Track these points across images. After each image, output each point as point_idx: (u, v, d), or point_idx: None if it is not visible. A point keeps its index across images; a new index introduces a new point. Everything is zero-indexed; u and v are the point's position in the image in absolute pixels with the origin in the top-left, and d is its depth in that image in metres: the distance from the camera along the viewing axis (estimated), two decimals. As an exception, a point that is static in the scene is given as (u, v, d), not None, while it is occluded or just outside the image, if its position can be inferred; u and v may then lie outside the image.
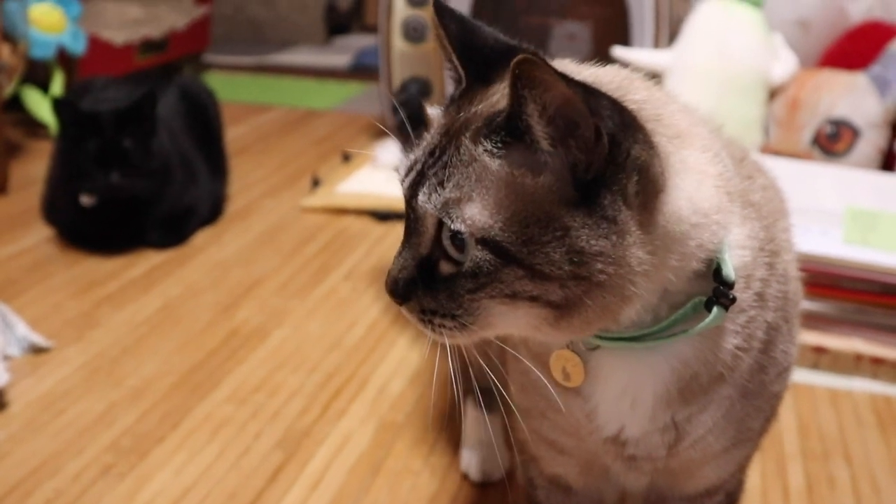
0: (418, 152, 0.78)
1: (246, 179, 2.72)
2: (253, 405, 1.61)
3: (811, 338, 1.72)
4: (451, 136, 0.76)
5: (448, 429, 1.55)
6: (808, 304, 1.73)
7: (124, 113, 2.08)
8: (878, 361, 1.70)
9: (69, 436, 1.51)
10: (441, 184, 0.73)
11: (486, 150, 0.72)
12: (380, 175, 2.65)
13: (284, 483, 1.42)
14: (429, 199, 0.74)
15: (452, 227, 0.72)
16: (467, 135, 0.74)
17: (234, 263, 2.18)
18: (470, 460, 1.43)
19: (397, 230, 2.35)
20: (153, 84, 2.29)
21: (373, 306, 1.98)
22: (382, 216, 2.44)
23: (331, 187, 2.60)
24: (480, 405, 1.43)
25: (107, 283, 2.05)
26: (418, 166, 0.77)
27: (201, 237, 2.31)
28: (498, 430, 1.38)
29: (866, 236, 1.76)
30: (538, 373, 0.85)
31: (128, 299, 1.98)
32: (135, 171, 2.10)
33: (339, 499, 1.39)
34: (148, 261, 2.17)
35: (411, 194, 0.76)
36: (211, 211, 2.41)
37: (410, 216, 0.78)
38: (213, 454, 1.48)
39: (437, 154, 0.76)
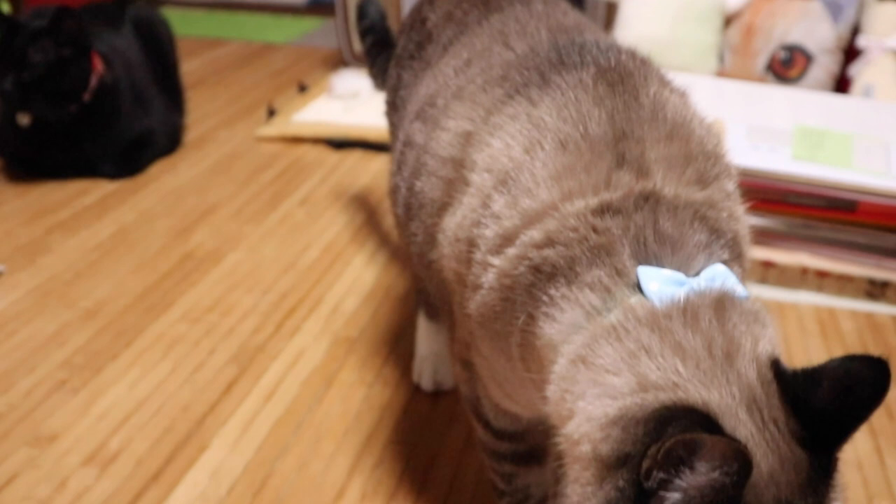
0: None
1: (201, 111, 2.69)
2: (206, 324, 1.62)
3: (760, 253, 1.75)
4: None
5: (401, 344, 1.56)
6: (757, 220, 1.76)
7: (42, 28, 2.03)
8: (822, 275, 1.73)
9: (21, 355, 1.51)
10: None
11: None
12: (336, 104, 2.63)
13: (238, 395, 1.43)
14: None
15: None
16: None
17: (188, 191, 2.17)
18: (422, 370, 1.45)
19: (352, 158, 2.36)
20: (102, 13, 2.26)
21: (328, 230, 1.98)
22: (338, 144, 2.43)
23: (286, 117, 2.58)
24: (432, 317, 1.45)
25: (59, 210, 2.04)
26: None
27: (156, 166, 2.29)
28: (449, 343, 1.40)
29: (814, 153, 1.78)
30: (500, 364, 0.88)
31: (80, 226, 1.97)
32: (58, 91, 2.06)
33: (293, 409, 1.40)
34: (101, 189, 2.15)
35: None
36: (168, 142, 2.39)
37: None
38: (166, 370, 1.48)
39: None
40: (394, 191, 1.14)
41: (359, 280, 1.77)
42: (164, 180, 2.22)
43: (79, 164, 2.19)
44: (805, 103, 2.06)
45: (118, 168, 2.22)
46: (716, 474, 0.60)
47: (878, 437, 1.36)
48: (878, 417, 1.40)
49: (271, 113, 2.62)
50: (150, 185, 2.19)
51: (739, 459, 0.59)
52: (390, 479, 1.27)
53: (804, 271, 1.74)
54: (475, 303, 0.86)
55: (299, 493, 1.24)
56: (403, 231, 1.13)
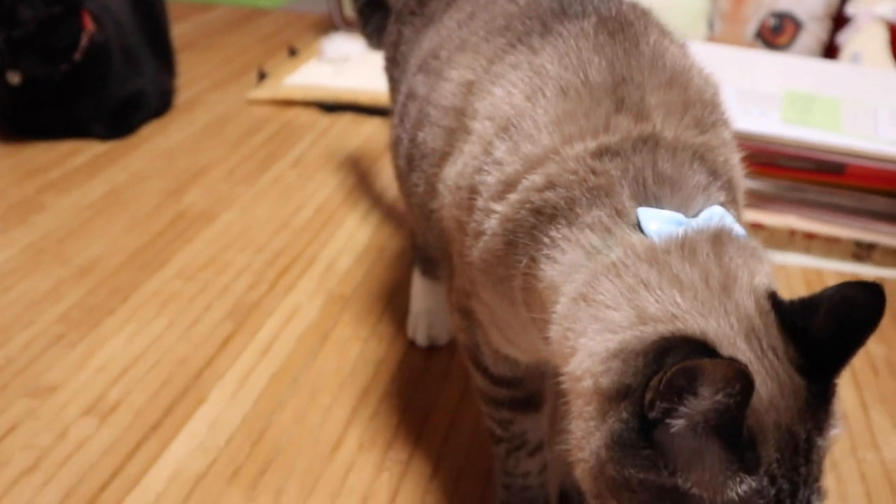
0: None
1: (191, 74, 2.68)
2: (201, 281, 1.63)
3: (749, 215, 1.77)
4: None
5: (395, 301, 1.58)
6: (746, 183, 1.78)
7: None
8: (810, 237, 1.76)
9: (17, 310, 1.51)
10: None
11: None
12: (326, 68, 2.63)
13: (234, 350, 1.44)
14: None
15: None
16: None
17: (180, 152, 2.17)
18: (416, 326, 1.47)
19: (343, 120, 2.36)
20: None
21: (320, 191, 1.99)
22: (329, 107, 2.43)
23: (277, 80, 2.57)
24: (427, 273, 1.47)
25: (50, 169, 2.03)
26: None
27: (146, 128, 2.29)
28: (444, 297, 1.41)
29: (803, 117, 1.80)
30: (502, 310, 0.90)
31: (72, 185, 1.97)
32: (49, 49, 2.05)
33: (289, 364, 1.42)
34: (92, 149, 2.14)
35: None
36: (159, 103, 2.38)
37: None
38: (162, 325, 1.50)
39: None
40: (395, 143, 1.15)
41: (352, 240, 1.78)
42: (156, 141, 2.22)
43: (69, 124, 2.18)
44: (795, 69, 2.08)
45: (109, 128, 2.21)
46: (719, 396, 0.61)
47: (862, 392, 1.39)
48: (863, 373, 1.44)
49: (262, 76, 2.62)
50: (141, 146, 2.19)
51: (741, 379, 0.60)
52: (387, 430, 1.29)
53: (792, 233, 1.76)
54: (478, 249, 0.87)
55: (297, 444, 1.26)
56: (404, 183, 1.14)
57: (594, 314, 0.72)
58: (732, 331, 0.67)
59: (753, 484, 0.64)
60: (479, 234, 0.87)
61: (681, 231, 0.73)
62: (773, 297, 0.70)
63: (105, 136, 2.20)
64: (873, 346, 1.50)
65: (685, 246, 0.72)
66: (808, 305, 0.68)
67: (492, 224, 0.84)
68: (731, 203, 0.80)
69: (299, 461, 1.22)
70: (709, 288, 0.70)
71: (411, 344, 1.48)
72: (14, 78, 2.07)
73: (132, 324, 1.49)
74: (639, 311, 0.70)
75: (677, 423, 0.64)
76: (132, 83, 2.26)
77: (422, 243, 1.43)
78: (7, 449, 1.21)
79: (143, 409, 1.30)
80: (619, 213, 0.76)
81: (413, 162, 1.06)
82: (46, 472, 1.18)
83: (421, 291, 1.48)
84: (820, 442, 0.66)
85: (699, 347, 0.64)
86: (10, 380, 1.34)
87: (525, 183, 0.82)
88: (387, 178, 2.01)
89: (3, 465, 1.18)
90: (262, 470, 1.21)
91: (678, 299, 0.69)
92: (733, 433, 0.63)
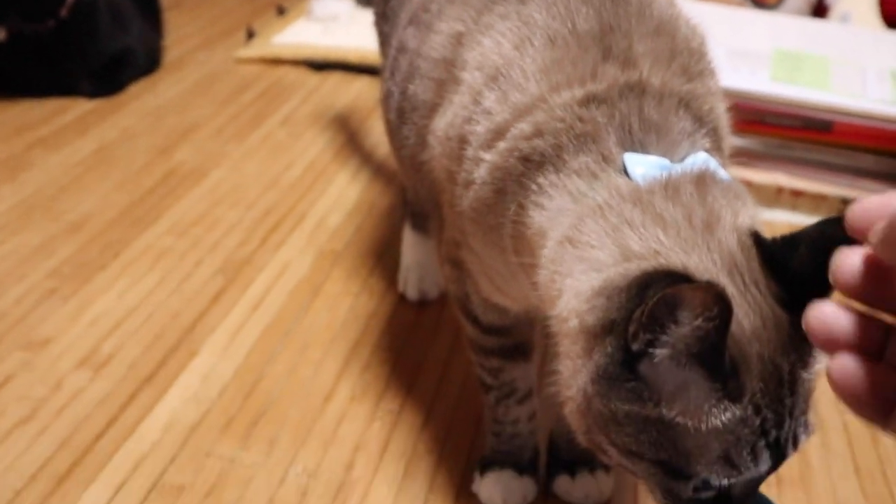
0: None
1: (179, 32, 2.66)
2: (192, 237, 1.63)
3: (737, 173, 1.78)
4: None
5: (386, 256, 1.59)
6: (735, 141, 1.80)
7: None
8: (797, 194, 1.77)
9: (9, 265, 1.52)
10: None
11: None
12: (315, 27, 2.62)
13: (226, 305, 1.45)
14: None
15: None
16: None
17: (169, 110, 2.16)
18: (407, 280, 1.48)
19: (333, 79, 2.36)
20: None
21: (310, 149, 1.99)
22: (318, 66, 2.42)
23: (266, 39, 2.56)
24: (417, 227, 1.48)
25: (38, 127, 2.03)
26: None
27: (135, 86, 2.28)
28: (434, 251, 1.42)
29: (792, 75, 1.81)
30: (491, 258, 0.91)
31: (61, 143, 1.96)
32: (35, 4, 2.04)
33: (280, 318, 1.43)
34: (80, 107, 2.14)
35: None
36: (147, 62, 2.37)
37: None
38: (154, 280, 1.50)
39: None
40: (386, 97, 1.15)
41: (342, 196, 1.79)
42: (144, 100, 2.21)
43: (57, 82, 2.17)
44: (784, 28, 2.08)
45: (97, 86, 2.20)
46: (699, 321, 0.62)
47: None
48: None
49: (250, 35, 2.61)
50: (129, 104, 2.18)
51: (719, 302, 0.61)
52: (378, 382, 1.30)
53: (780, 190, 1.78)
54: (468, 198, 0.89)
55: (289, 395, 1.27)
56: (395, 137, 1.15)
57: (579, 255, 0.74)
58: (715, 266, 0.69)
59: (738, 412, 0.65)
60: (469, 183, 0.88)
61: (665, 174, 0.75)
62: (755, 235, 0.71)
63: (93, 94, 2.19)
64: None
65: (669, 187, 0.74)
66: (788, 242, 0.69)
67: (481, 173, 0.85)
68: (716, 150, 0.82)
69: (291, 412, 1.24)
70: (692, 226, 0.71)
71: (402, 298, 1.49)
72: (0, 34, 2.06)
73: (124, 279, 1.50)
74: (623, 249, 0.71)
75: (660, 354, 0.65)
76: (120, 41, 2.25)
77: (412, 198, 1.44)
78: (2, 400, 1.22)
79: (137, 361, 1.31)
80: (606, 159, 0.78)
81: (404, 115, 1.07)
82: (42, 422, 1.19)
83: (411, 245, 1.49)
84: (804, 375, 0.68)
85: (680, 278, 0.65)
86: (3, 333, 1.35)
87: (513, 131, 0.83)
88: (377, 136, 2.02)
89: (-1, 415, 1.20)
90: (254, 420, 1.22)
91: (661, 237, 0.70)
92: (716, 361, 0.65)
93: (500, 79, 0.86)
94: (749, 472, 0.68)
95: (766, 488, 1.11)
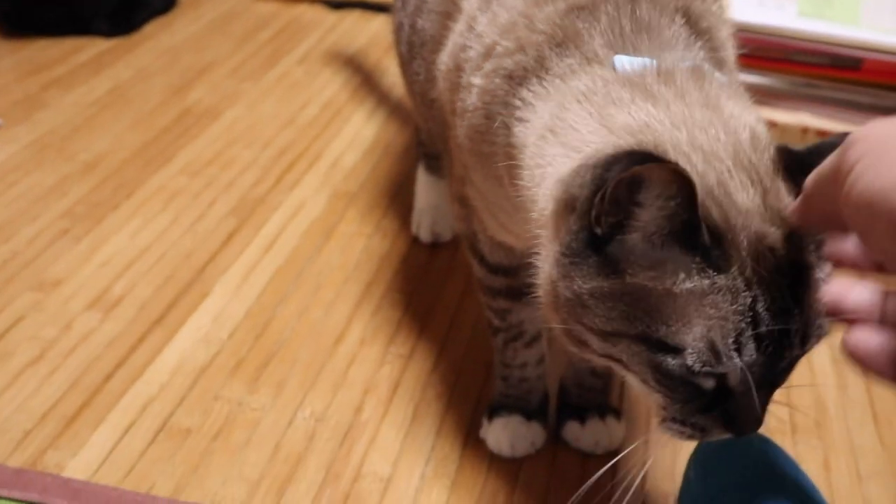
0: None
1: (196, -31, 2.62)
2: (206, 177, 1.62)
3: (761, 112, 1.74)
4: None
5: (399, 197, 1.57)
6: (760, 79, 1.75)
7: None
8: (822, 134, 1.72)
9: (22, 205, 1.51)
10: None
11: None
12: (334, -37, 2.56)
13: (239, 245, 1.44)
14: None
15: None
16: None
17: (185, 49, 2.13)
18: (420, 222, 1.46)
19: (350, 18, 2.32)
20: None
21: (327, 88, 1.96)
22: (335, 4, 2.38)
23: (283, -24, 2.52)
24: (432, 169, 1.45)
25: (53, 67, 2.01)
26: None
27: (151, 25, 2.25)
28: (447, 193, 1.40)
29: (821, 10, 1.75)
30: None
31: (76, 82, 1.95)
32: None
33: (293, 259, 1.42)
34: (95, 46, 2.11)
35: None
36: (163, 1, 2.33)
37: None
38: (167, 220, 1.49)
39: None
40: (398, 28, 1.13)
41: (358, 136, 1.77)
42: (160, 39, 2.19)
43: (72, 21, 2.14)
44: (814, -39, 2.01)
45: (113, 25, 2.18)
46: (660, 202, 0.60)
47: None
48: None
49: (268, -29, 2.56)
50: (145, 43, 2.16)
51: (678, 179, 0.58)
52: (388, 324, 1.29)
53: (805, 130, 1.73)
54: (463, 128, 0.86)
55: (300, 336, 1.26)
56: (406, 71, 1.12)
57: (561, 140, 0.71)
58: (717, 143, 0.65)
59: (723, 281, 0.61)
60: (463, 111, 0.85)
61: (657, 63, 0.71)
62: (767, 137, 0.67)
63: (108, 34, 2.16)
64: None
65: (662, 73, 0.70)
66: (812, 150, 0.65)
67: (473, 99, 0.83)
68: (717, 66, 0.78)
69: (301, 354, 1.23)
70: (686, 104, 0.67)
71: (415, 240, 1.47)
72: (15, -29, 2.04)
73: (137, 219, 1.49)
74: (608, 125, 0.68)
75: (632, 239, 0.63)
76: (136, -21, 2.22)
77: (426, 138, 1.42)
78: (13, 340, 1.22)
79: (148, 302, 1.31)
80: (591, 60, 0.74)
81: (414, 49, 1.05)
82: (52, 362, 1.19)
83: (425, 187, 1.47)
84: (818, 275, 0.63)
85: (645, 157, 0.60)
86: (15, 273, 1.35)
87: (497, 49, 0.80)
88: (393, 76, 1.98)
89: (10, 355, 1.20)
90: (264, 362, 1.22)
91: (652, 110, 0.67)
92: (691, 235, 0.61)
93: (492, 2, 0.84)
94: (734, 365, 0.62)
95: (780, 436, 1.10)
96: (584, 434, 1.08)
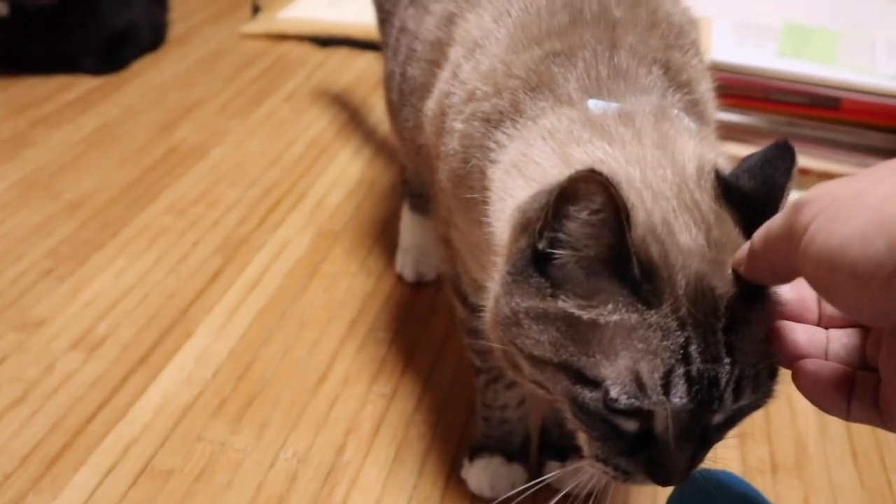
0: None
1: (184, 8, 2.64)
2: (191, 216, 1.62)
3: (742, 150, 1.75)
4: None
5: (384, 237, 1.58)
6: (739, 118, 1.77)
7: None
8: (804, 172, 1.74)
9: (7, 245, 1.52)
10: None
11: None
12: (320, 2, 2.59)
13: (223, 285, 1.45)
14: None
15: None
16: None
17: (172, 87, 2.15)
18: (404, 261, 1.47)
19: (338, 55, 2.34)
20: None
21: (313, 126, 1.97)
22: (323, 42, 2.40)
23: (271, 14, 2.54)
24: (416, 209, 1.46)
25: (41, 105, 2.02)
26: None
27: (139, 62, 2.27)
28: (432, 233, 1.41)
29: (799, 50, 1.78)
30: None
31: (64, 120, 1.96)
32: None
33: (277, 299, 1.42)
34: (83, 84, 2.13)
35: None
36: (151, 38, 2.35)
37: None
38: (152, 260, 1.50)
39: None
40: (389, 77, 1.14)
41: (343, 174, 1.78)
42: (148, 76, 2.20)
43: (60, 59, 2.16)
44: (792, 0, 2.04)
45: (100, 63, 2.19)
46: (584, 214, 0.61)
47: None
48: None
49: (255, 10, 2.59)
50: (133, 80, 2.17)
51: (603, 192, 0.59)
52: (372, 363, 1.30)
53: (785, 168, 1.75)
54: (444, 171, 0.88)
55: (283, 377, 1.27)
56: (396, 118, 1.13)
57: (524, 174, 0.73)
58: (663, 183, 0.66)
59: (650, 317, 0.60)
60: (446, 155, 0.87)
61: (620, 105, 0.73)
62: (717, 169, 0.67)
63: (96, 72, 2.18)
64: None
65: (623, 114, 0.72)
66: (736, 169, 0.67)
67: (454, 143, 0.85)
68: (696, 118, 0.79)
69: (284, 394, 1.23)
70: (641, 145, 0.69)
71: (399, 279, 1.48)
72: (2, 9, 2.05)
73: (121, 258, 1.50)
74: (567, 160, 0.70)
75: (563, 255, 0.63)
76: (123, 17, 2.23)
77: (412, 178, 1.43)
78: (-4, 381, 1.23)
79: (131, 342, 1.31)
80: (563, 102, 0.76)
81: (404, 96, 1.06)
82: (34, 403, 1.19)
83: (410, 227, 1.48)
84: (752, 317, 0.62)
85: (590, 173, 0.60)
86: (-1, 313, 1.35)
87: (477, 94, 0.82)
88: (379, 113, 2.00)
89: (-8, 397, 1.20)
90: (247, 402, 1.22)
91: (608, 148, 0.69)
92: (622, 266, 0.61)
93: (476, 50, 0.86)
94: (660, 402, 0.60)
95: (760, 476, 1.11)
96: (565, 475, 1.08)
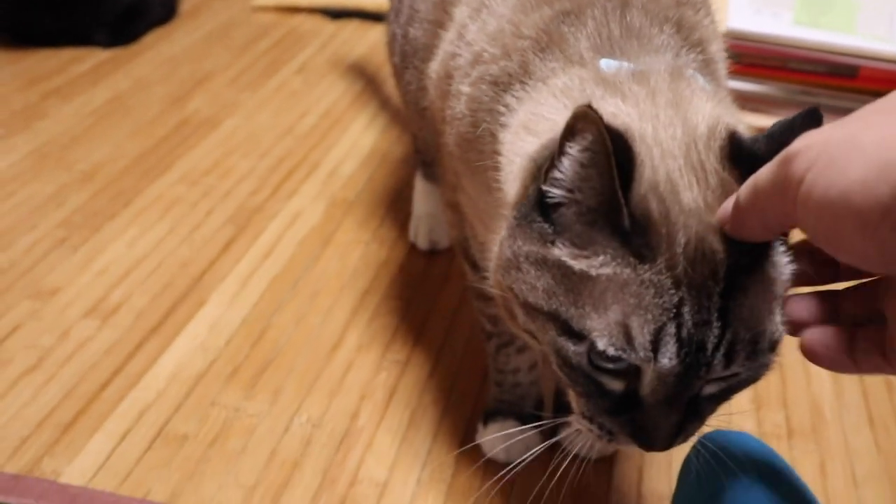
0: None
1: (195, -19, 2.63)
2: (204, 186, 1.62)
3: (758, 120, 1.74)
4: None
5: (397, 205, 1.57)
6: (756, 86, 1.75)
7: None
8: (820, 141, 1.73)
9: (20, 214, 1.52)
10: None
11: None
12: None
13: (236, 254, 1.44)
14: None
15: None
16: None
17: (184, 59, 2.14)
18: (417, 229, 1.47)
19: (350, 27, 2.33)
20: None
21: (325, 97, 1.97)
22: (334, 14, 2.39)
23: (283, -14, 2.53)
24: (429, 177, 1.46)
25: (53, 77, 2.02)
26: None
27: (150, 35, 2.26)
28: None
29: (817, 18, 1.76)
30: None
31: (76, 92, 1.95)
32: None
33: (290, 267, 1.42)
34: (95, 56, 2.12)
35: None
36: (163, 11, 2.35)
37: None
38: (165, 229, 1.50)
39: None
40: (391, 39, 1.13)
41: (356, 145, 1.77)
42: (160, 48, 2.20)
43: (71, 32, 2.15)
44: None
45: (112, 36, 2.19)
46: (575, 151, 0.61)
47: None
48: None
49: (267, -18, 2.57)
50: (144, 53, 2.17)
51: (593, 130, 0.59)
52: (385, 331, 1.30)
53: (801, 137, 1.73)
54: (451, 136, 0.87)
55: (296, 344, 1.27)
56: (399, 81, 1.13)
57: (534, 131, 0.71)
58: (672, 141, 0.64)
59: (643, 273, 0.60)
60: (452, 119, 0.86)
61: (634, 64, 0.72)
62: (734, 133, 0.66)
63: (108, 44, 2.17)
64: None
65: (638, 73, 0.71)
66: (756, 136, 0.66)
67: (461, 106, 0.84)
68: (708, 77, 0.78)
69: (298, 361, 1.23)
70: (654, 102, 0.68)
71: (412, 247, 1.47)
72: (13, -18, 2.05)
73: (134, 228, 1.49)
74: None
75: (558, 196, 0.63)
76: (134, -11, 2.23)
77: (422, 146, 1.42)
78: (10, 348, 1.23)
79: (144, 310, 1.31)
80: (574, 62, 0.75)
81: (406, 58, 1.05)
82: (48, 371, 1.19)
83: (422, 195, 1.47)
84: (749, 282, 0.61)
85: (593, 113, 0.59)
86: (13, 282, 1.35)
87: (484, 56, 0.81)
88: (392, 84, 1.98)
89: (7, 363, 1.20)
90: (261, 369, 1.22)
91: (621, 104, 0.67)
92: (615, 218, 0.61)
93: (483, 10, 0.85)
94: (647, 359, 0.60)
95: (776, 441, 1.10)
96: (578, 438, 1.07)
